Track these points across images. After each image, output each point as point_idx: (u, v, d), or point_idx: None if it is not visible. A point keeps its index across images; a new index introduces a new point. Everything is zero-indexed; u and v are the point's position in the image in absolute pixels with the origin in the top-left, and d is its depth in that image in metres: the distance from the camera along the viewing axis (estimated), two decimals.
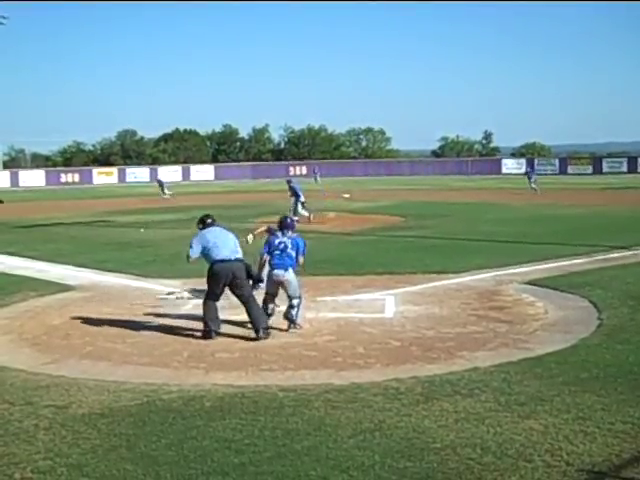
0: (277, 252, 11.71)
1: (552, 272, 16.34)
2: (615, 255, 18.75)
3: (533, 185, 48.12)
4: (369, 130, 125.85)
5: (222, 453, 6.68)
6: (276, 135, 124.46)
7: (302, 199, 30.48)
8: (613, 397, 7.99)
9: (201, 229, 11.89)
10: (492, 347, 10.42)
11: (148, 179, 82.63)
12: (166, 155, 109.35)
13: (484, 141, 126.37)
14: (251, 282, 11.79)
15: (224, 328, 11.61)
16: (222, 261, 11.40)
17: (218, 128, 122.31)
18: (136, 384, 8.86)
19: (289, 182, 32.37)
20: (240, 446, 6.83)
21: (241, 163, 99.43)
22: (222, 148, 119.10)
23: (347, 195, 45.68)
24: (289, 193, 31.39)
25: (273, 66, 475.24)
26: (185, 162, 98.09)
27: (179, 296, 14.34)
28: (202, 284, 15.36)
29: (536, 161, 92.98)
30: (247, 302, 11.44)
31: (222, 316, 11.65)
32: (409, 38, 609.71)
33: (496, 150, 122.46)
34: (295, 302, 11.71)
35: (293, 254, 11.77)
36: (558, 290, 14.22)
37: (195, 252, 11.70)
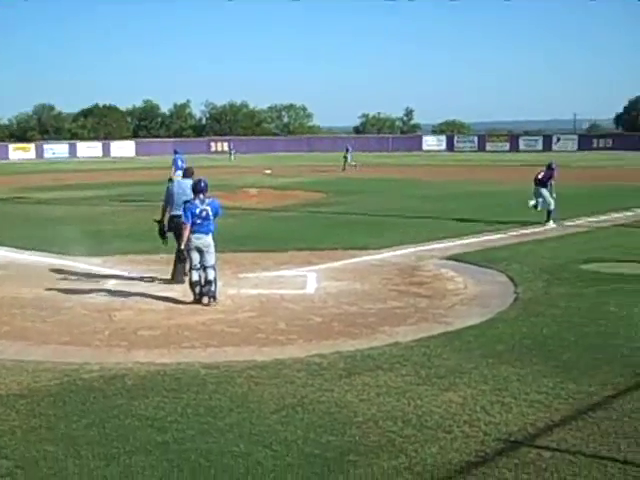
0: (199, 220, 11.72)
1: (471, 247, 16.66)
2: (531, 230, 19.23)
3: (352, 162, 49.14)
4: (291, 106, 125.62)
5: (144, 431, 6.64)
6: (197, 111, 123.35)
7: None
8: (528, 368, 8.22)
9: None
10: (413, 322, 10.58)
11: (67, 155, 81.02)
12: (85, 131, 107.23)
13: (405, 118, 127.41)
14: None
15: (147, 305, 11.56)
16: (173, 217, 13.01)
17: (139, 104, 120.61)
18: (56, 363, 8.71)
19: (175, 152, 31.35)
20: (163, 424, 6.80)
21: (162, 139, 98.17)
22: (143, 124, 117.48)
23: (269, 171, 45.61)
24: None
25: (194, 41, 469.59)
26: (105, 138, 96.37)
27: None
28: (125, 262, 15.30)
29: (455, 138, 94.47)
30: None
31: (149, 292, 11.60)
32: (332, 15, 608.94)
33: (417, 127, 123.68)
34: (212, 275, 11.68)
35: (212, 219, 11.84)
36: (476, 265, 14.52)
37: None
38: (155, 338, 9.94)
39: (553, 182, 20.98)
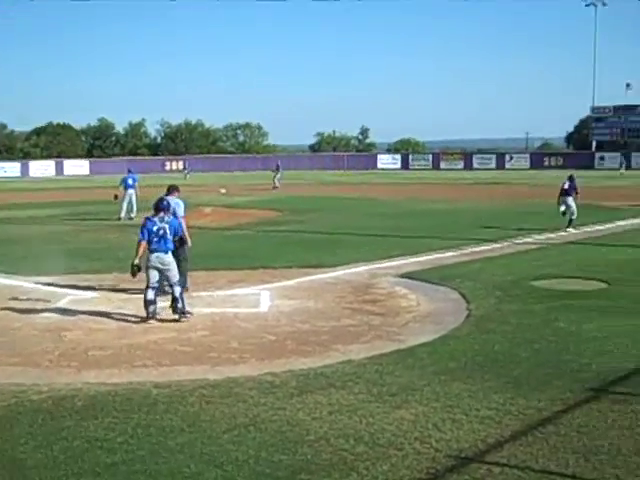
0: (156, 238, 11.78)
1: (424, 265, 16.77)
2: (483, 248, 19.41)
3: (277, 181, 49.19)
4: (246, 125, 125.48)
5: (93, 453, 6.56)
6: (152, 130, 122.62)
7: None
8: (479, 385, 8.28)
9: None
10: (366, 340, 10.61)
11: (19, 174, 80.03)
12: (38, 149, 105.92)
13: (360, 136, 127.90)
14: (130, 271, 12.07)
15: (98, 325, 11.45)
16: None
17: (93, 122, 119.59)
18: (3, 385, 8.57)
19: (129, 171, 31.50)
20: (112, 445, 6.73)
21: (117, 158, 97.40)
22: (97, 143, 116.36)
23: (223, 190, 45.45)
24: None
25: (150, 60, 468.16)
26: (59, 157, 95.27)
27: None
28: (76, 281, 15.12)
29: (410, 156, 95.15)
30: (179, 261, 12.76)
31: (101, 311, 11.60)
32: (287, 33, 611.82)
33: (372, 145, 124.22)
34: (178, 291, 11.75)
35: (171, 238, 11.95)
36: (430, 283, 14.61)
37: None
38: (106, 358, 9.83)
39: (576, 194, 24.28)
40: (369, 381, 8.51)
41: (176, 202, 13.86)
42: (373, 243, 20.70)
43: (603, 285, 14.19)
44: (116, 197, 29.72)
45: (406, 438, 6.80)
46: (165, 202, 12.24)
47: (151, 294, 11.72)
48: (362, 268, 16.52)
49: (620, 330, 10.66)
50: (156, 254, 11.76)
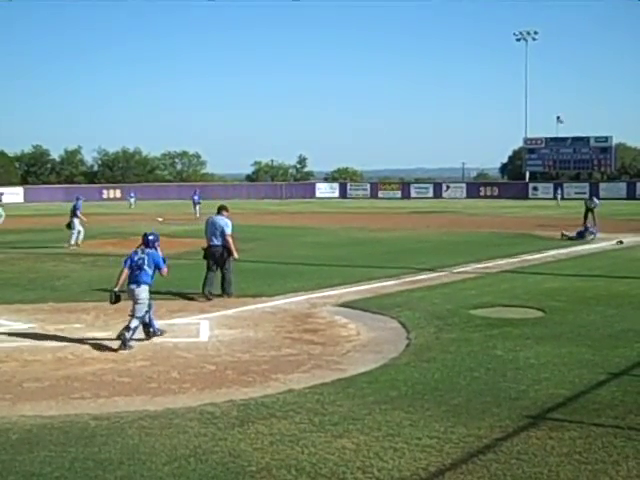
0: (134, 268, 12.13)
1: (364, 294, 16.84)
2: (422, 277, 19.59)
3: (197, 211, 48.04)
4: (184, 154, 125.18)
5: None
6: (89, 157, 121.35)
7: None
8: (420, 413, 8.33)
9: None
10: (306, 369, 10.59)
11: None
12: None
13: (298, 165, 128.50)
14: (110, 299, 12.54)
15: (34, 356, 11.23)
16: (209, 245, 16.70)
17: (27, 149, 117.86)
18: None
19: (77, 199, 31.18)
20: None
21: (52, 185, 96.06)
22: (32, 170, 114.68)
23: (161, 219, 45.15)
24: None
25: (85, 87, 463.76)
26: None
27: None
28: (10, 311, 14.80)
29: (348, 185, 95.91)
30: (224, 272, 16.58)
31: (36, 342, 11.22)
32: (222, 61, 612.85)
33: (310, 174, 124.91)
34: (134, 323, 11.82)
35: (149, 271, 12.22)
36: (369, 312, 14.67)
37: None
38: (42, 390, 9.63)
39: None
40: (310, 410, 8.49)
41: (225, 222, 16.78)
42: (312, 272, 20.72)
43: (539, 313, 14.44)
44: (69, 225, 29.32)
45: (348, 467, 6.80)
46: (151, 236, 12.58)
47: (134, 323, 11.91)
48: (302, 297, 16.52)
49: (556, 357, 10.84)
50: (129, 285, 12.11)
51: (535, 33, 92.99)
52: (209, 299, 16.19)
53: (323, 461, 6.95)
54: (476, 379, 9.78)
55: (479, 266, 21.89)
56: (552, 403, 8.69)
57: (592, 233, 31.07)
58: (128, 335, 11.72)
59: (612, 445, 7.31)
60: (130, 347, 11.69)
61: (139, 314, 11.98)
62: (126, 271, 12.19)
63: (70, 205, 30.92)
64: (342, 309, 15.12)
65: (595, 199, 38.03)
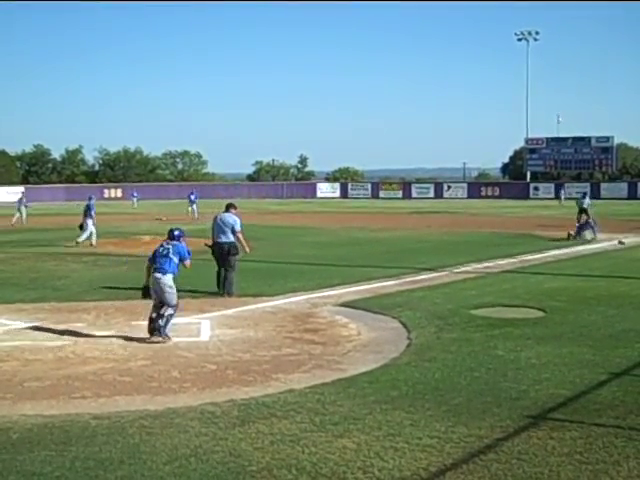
0: (159, 258, 12.44)
1: (364, 294, 16.83)
2: (423, 277, 19.59)
3: (195, 211, 47.80)
4: (185, 153, 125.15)
5: None
6: (90, 157, 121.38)
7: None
8: (421, 413, 8.33)
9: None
10: (307, 369, 10.59)
11: None
12: None
13: (299, 165, 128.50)
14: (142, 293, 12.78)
15: (35, 356, 11.24)
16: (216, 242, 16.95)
17: (29, 148, 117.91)
18: None
19: (90, 198, 31.40)
20: (49, 479, 6.58)
21: (53, 185, 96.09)
22: (33, 169, 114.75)
23: (164, 218, 45.19)
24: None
25: (86, 86, 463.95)
26: None
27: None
28: (11, 311, 14.81)
29: (350, 185, 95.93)
30: (227, 270, 16.73)
31: (37, 341, 11.20)
32: (222, 62, 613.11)
33: (311, 174, 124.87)
34: (168, 312, 12.19)
35: (175, 260, 12.53)
36: (370, 311, 14.67)
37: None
38: (43, 389, 9.63)
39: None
40: (311, 410, 8.49)
41: (234, 219, 17.15)
42: (313, 272, 20.72)
43: (540, 313, 14.43)
44: (81, 226, 29.39)
45: (349, 467, 6.80)
46: (176, 232, 13.00)
47: (152, 313, 12.25)
48: (302, 297, 16.53)
49: (557, 357, 10.84)
50: (154, 274, 12.36)
51: (537, 33, 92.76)
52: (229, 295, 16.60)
53: (324, 461, 6.95)
54: (477, 379, 9.78)
55: (480, 266, 21.88)
56: (553, 403, 8.68)
57: (591, 228, 31.02)
58: (162, 322, 12.09)
59: (613, 445, 7.31)
60: (166, 336, 12.08)
61: (172, 303, 12.28)
62: (150, 264, 12.56)
63: (76, 205, 31.01)
64: (343, 309, 15.12)
65: (586, 198, 37.89)
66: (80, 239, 28.83)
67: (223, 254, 16.91)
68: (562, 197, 70.46)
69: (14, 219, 42.45)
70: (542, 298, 15.91)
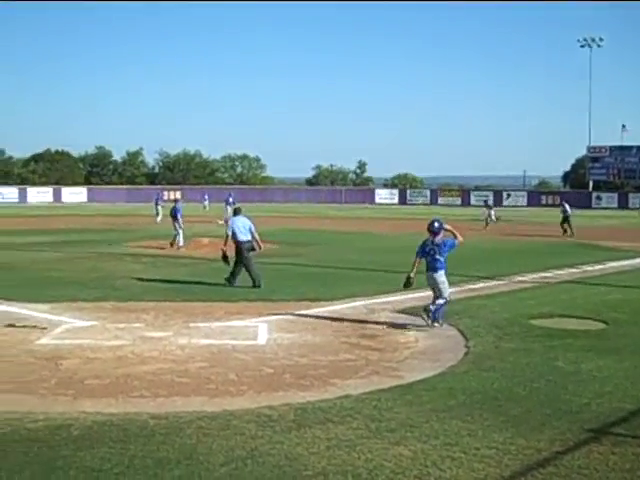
0: (428, 256, 13.69)
1: (422, 301, 16.63)
2: (481, 285, 19.40)
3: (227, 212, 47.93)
4: (244, 157, 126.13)
5: None
6: (150, 159, 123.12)
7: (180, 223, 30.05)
8: (479, 423, 8.23)
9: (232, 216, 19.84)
10: (364, 375, 10.55)
11: (17, 200, 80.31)
12: (36, 176, 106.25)
13: (358, 171, 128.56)
14: None
15: (95, 354, 11.41)
16: (240, 242, 18.93)
17: (91, 150, 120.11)
18: None
19: (176, 201, 32.15)
20: (109, 476, 6.66)
21: (115, 186, 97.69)
22: (95, 170, 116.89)
23: (221, 221, 45.48)
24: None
25: (148, 89, 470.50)
26: (57, 184, 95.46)
27: (37, 325, 13.61)
28: (73, 309, 15.07)
29: (408, 191, 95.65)
30: (247, 265, 18.82)
31: (98, 340, 11.40)
32: (285, 68, 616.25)
33: (369, 180, 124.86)
34: (440, 301, 13.71)
35: (442, 259, 13.72)
36: None
37: (229, 230, 19.23)
38: (103, 387, 9.76)
39: None
40: (367, 416, 8.45)
41: (249, 222, 19.41)
42: (371, 278, 20.67)
43: (601, 325, 14.17)
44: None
45: (405, 475, 6.74)
46: (436, 224, 13.78)
47: (431, 306, 13.64)
48: (360, 302, 16.49)
49: (619, 371, 10.62)
50: (428, 272, 13.77)
51: (600, 40, 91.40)
52: (258, 286, 18.36)
53: (380, 468, 6.91)
54: (536, 390, 9.63)
55: (538, 275, 21.58)
56: (615, 417, 8.50)
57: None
58: (432, 307, 13.52)
59: None
60: (436, 320, 13.52)
61: (445, 294, 13.72)
62: (418, 259, 13.87)
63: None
64: (400, 315, 15.04)
65: (566, 207, 38.90)
66: (181, 242, 29.35)
67: (244, 251, 18.90)
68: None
69: (158, 218, 43.19)
70: (603, 310, 15.62)
